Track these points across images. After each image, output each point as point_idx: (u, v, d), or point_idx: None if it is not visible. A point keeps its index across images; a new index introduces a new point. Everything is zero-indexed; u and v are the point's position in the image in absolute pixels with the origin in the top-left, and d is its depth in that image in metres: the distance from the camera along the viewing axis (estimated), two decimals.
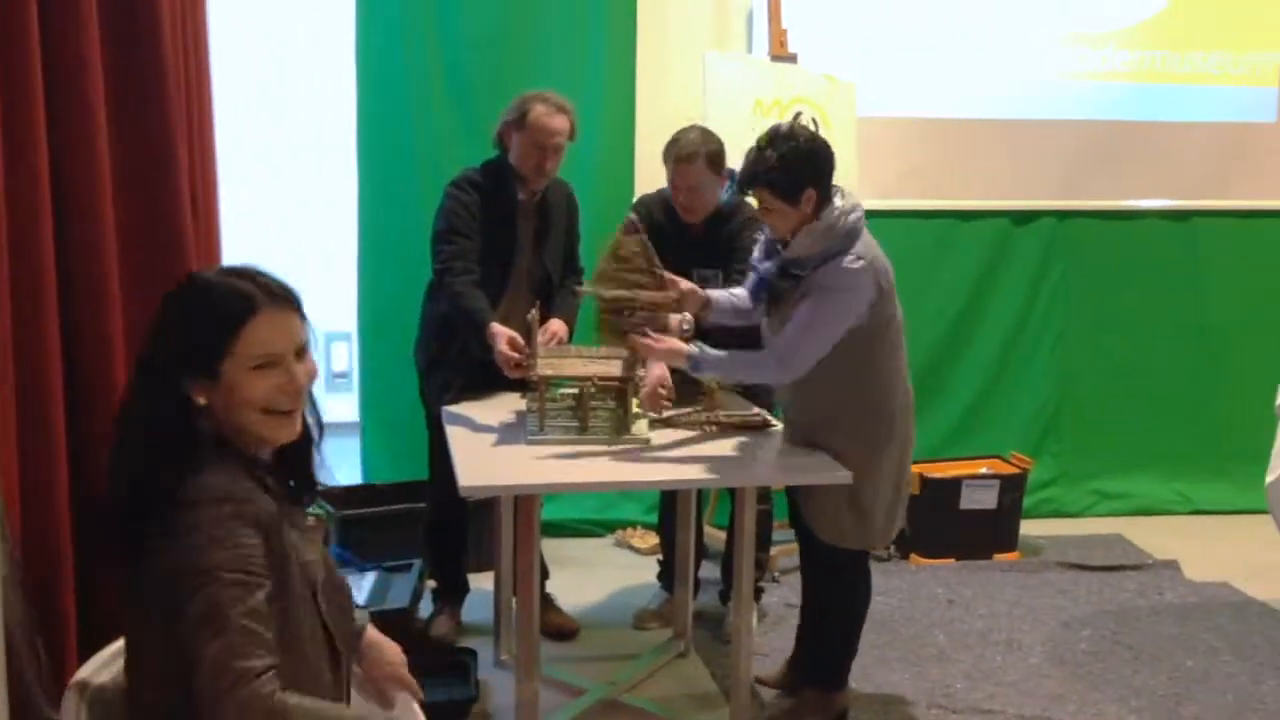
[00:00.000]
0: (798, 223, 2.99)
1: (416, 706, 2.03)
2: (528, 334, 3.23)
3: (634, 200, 4.11)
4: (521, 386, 3.44)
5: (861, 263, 2.95)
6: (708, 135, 3.73)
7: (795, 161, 2.94)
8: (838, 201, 2.99)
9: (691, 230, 3.74)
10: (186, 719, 1.67)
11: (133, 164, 2.72)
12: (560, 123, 3.58)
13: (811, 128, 4.46)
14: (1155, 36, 5.29)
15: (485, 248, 3.60)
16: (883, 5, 5.10)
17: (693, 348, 3.03)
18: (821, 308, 2.96)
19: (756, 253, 3.24)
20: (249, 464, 1.79)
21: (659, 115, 3.98)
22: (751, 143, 3.05)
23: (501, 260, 3.65)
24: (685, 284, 3.19)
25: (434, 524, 3.96)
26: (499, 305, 3.59)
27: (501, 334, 3.33)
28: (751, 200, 3.14)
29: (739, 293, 3.29)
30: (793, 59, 4.69)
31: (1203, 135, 5.38)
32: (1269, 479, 4.18)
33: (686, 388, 3.42)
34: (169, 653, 1.68)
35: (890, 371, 3.13)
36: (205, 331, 1.76)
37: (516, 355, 3.27)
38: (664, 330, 3.18)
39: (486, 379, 3.54)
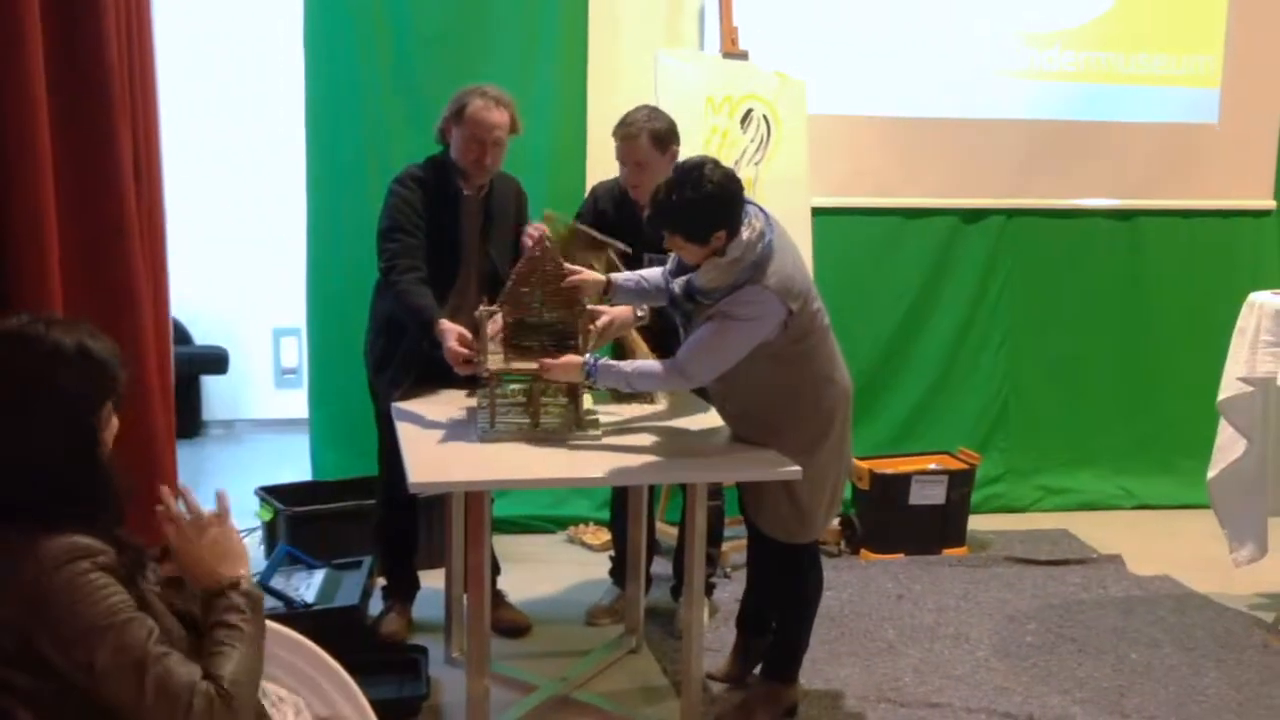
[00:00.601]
0: (707, 255, 2.99)
1: (366, 703, 2.01)
2: (476, 329, 3.22)
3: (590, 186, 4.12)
4: (472, 383, 3.42)
5: (767, 292, 2.96)
6: (654, 113, 3.75)
7: (703, 207, 2.92)
8: (744, 234, 2.96)
9: (641, 212, 3.74)
10: None
11: (74, 162, 2.68)
12: (499, 116, 3.55)
13: (763, 126, 4.43)
14: (1100, 38, 5.35)
15: (431, 243, 3.57)
16: (834, 4, 5.12)
17: (588, 358, 3.06)
18: (726, 331, 2.98)
19: (670, 263, 3.23)
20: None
21: (610, 112, 3.98)
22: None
23: (448, 256, 3.62)
24: (585, 274, 3.20)
25: (384, 521, 3.93)
26: (447, 301, 3.57)
27: (450, 330, 3.31)
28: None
29: (649, 274, 3.30)
30: (744, 56, 4.69)
31: (1146, 136, 5.44)
32: (1210, 474, 4.26)
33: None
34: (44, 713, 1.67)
35: (823, 374, 3.15)
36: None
37: (465, 351, 3.25)
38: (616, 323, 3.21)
39: (436, 375, 3.52)
